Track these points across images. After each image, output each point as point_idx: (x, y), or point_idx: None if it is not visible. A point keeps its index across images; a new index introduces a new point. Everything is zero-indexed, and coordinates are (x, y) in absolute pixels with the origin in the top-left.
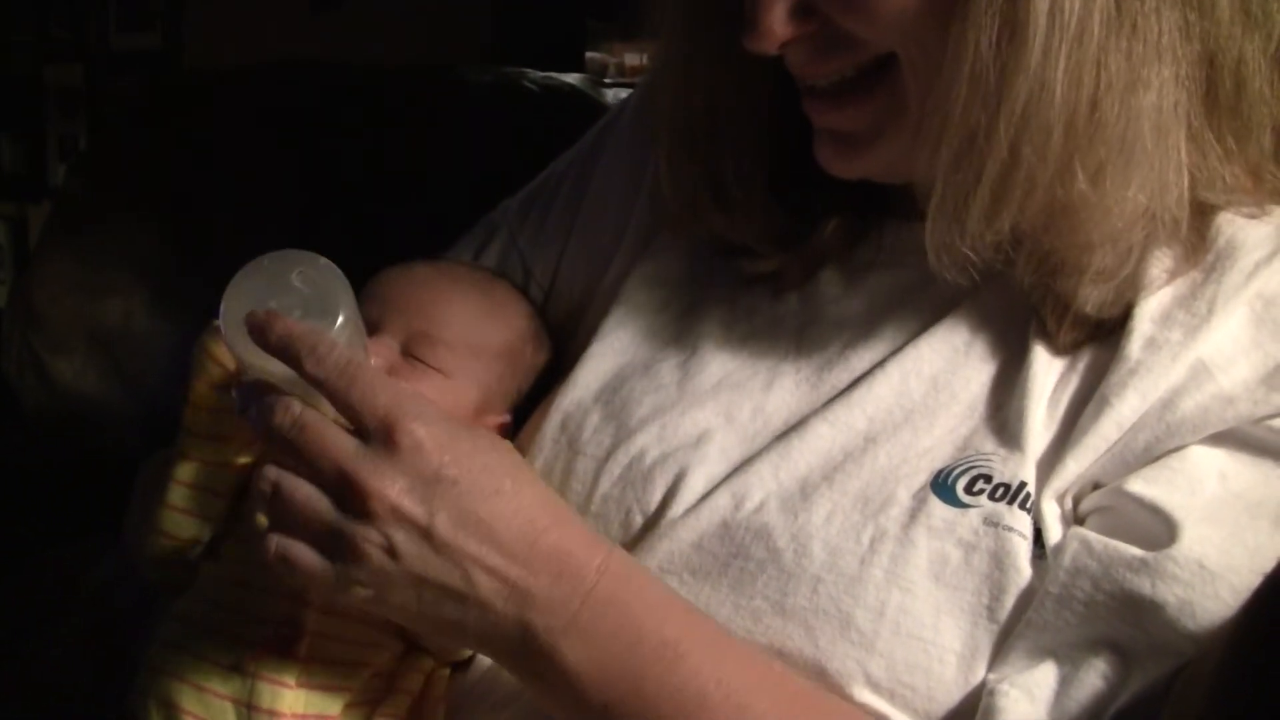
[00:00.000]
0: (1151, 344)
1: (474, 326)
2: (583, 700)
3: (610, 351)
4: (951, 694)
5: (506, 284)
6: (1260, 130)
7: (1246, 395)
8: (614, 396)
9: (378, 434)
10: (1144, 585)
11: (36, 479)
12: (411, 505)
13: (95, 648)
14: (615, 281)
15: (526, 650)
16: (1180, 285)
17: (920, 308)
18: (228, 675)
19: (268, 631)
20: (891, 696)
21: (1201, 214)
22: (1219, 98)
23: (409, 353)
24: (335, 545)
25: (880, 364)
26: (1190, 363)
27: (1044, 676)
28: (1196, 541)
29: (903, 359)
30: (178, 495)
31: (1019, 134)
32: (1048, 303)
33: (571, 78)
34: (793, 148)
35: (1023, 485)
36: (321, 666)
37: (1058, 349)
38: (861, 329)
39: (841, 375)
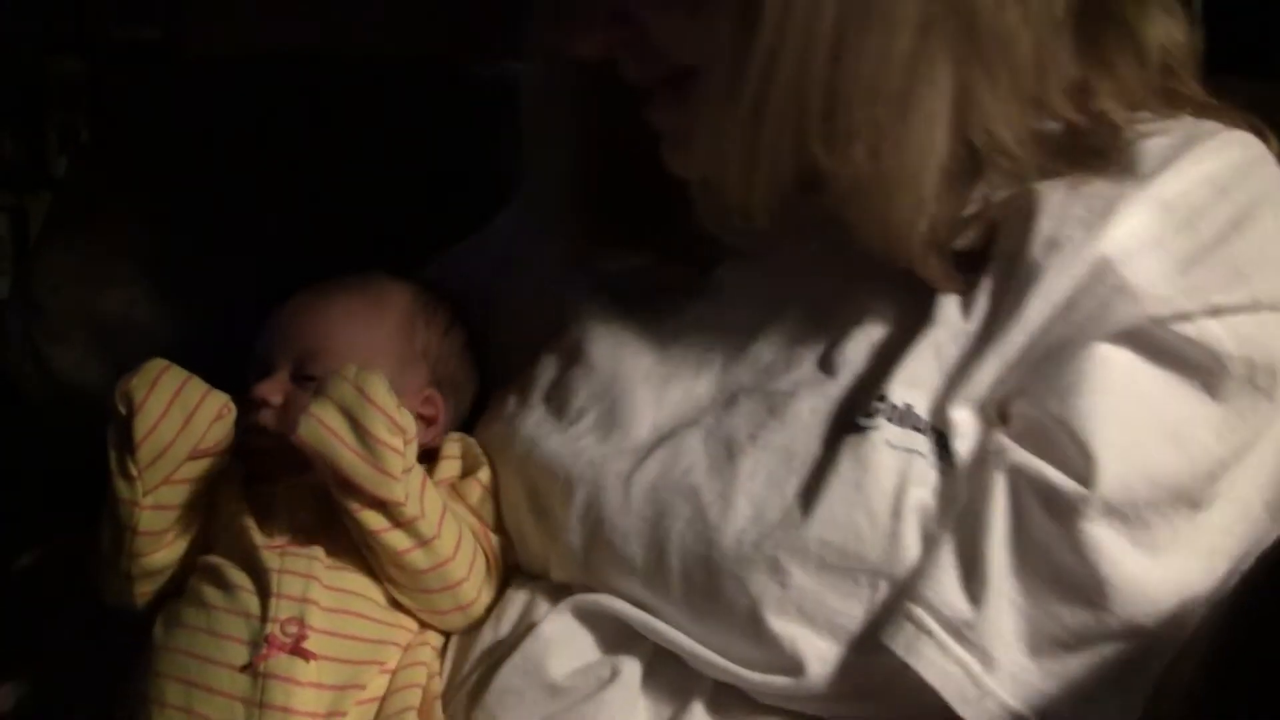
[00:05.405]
0: (1052, 244)
1: (354, 326)
2: None
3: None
4: (878, 619)
5: (382, 274)
6: (1053, 67)
7: (1151, 293)
8: (555, 393)
9: None
10: (1075, 522)
11: (36, 470)
12: None
13: (95, 638)
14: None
15: None
16: (1082, 191)
17: (824, 277)
18: (237, 675)
19: (275, 630)
20: (823, 625)
21: (1102, 126)
22: (978, 29)
23: (302, 374)
24: None
25: (799, 340)
26: (1093, 260)
27: (999, 615)
28: (1112, 477)
29: (817, 334)
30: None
31: (761, 116)
32: (911, 263)
33: None
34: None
35: (910, 407)
36: (330, 664)
37: (950, 289)
38: (770, 311)
39: (764, 350)
